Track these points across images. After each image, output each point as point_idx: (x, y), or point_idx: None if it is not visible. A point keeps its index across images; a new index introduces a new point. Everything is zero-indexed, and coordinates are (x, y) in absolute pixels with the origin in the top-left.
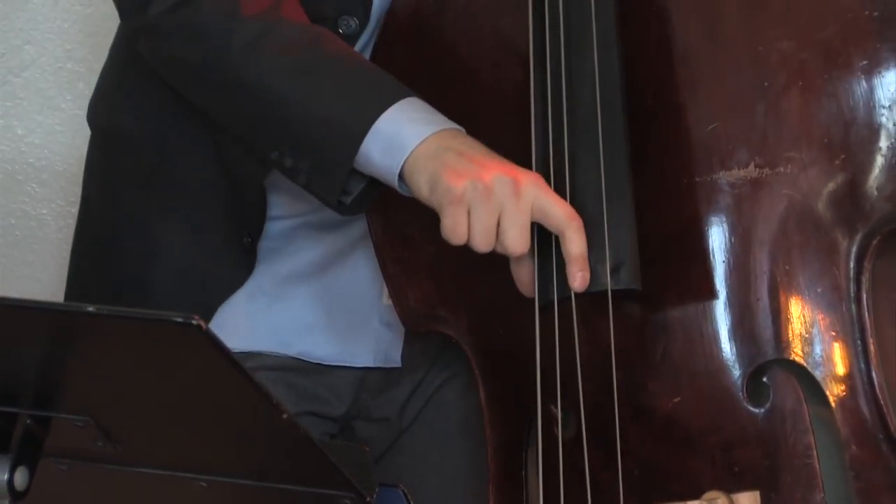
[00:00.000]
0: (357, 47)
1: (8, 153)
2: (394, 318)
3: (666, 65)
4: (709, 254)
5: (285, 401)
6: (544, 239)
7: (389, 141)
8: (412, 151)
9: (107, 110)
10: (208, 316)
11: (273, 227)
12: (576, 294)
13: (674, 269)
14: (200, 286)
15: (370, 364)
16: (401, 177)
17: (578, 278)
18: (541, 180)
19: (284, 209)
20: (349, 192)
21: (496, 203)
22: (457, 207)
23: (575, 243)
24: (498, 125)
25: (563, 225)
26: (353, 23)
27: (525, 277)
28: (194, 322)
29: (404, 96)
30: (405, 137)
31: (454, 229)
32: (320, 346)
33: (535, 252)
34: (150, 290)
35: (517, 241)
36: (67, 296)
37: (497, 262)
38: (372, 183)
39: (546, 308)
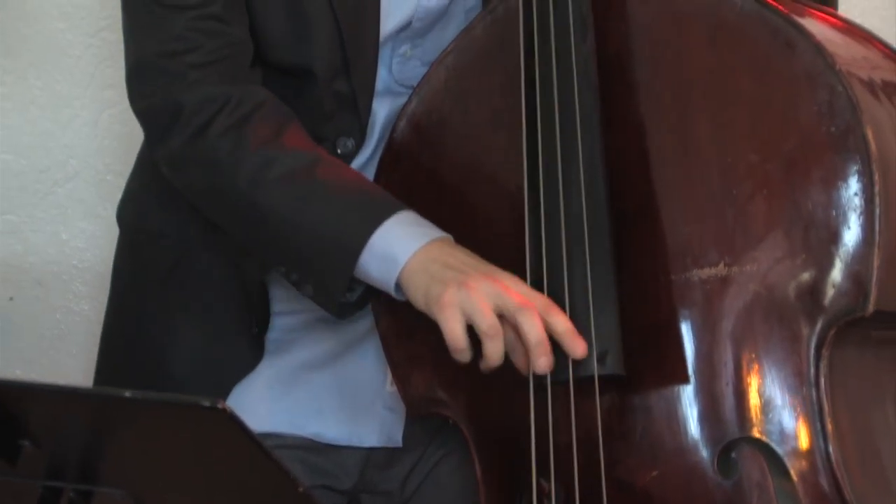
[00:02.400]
0: (355, 165)
1: (54, 256)
2: (396, 403)
3: (644, 174)
4: (683, 343)
5: (300, 476)
6: None
7: (383, 256)
8: (404, 265)
9: (133, 210)
10: (223, 397)
11: (281, 322)
12: (569, 378)
13: (652, 358)
14: (215, 371)
15: (375, 444)
16: (398, 286)
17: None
18: (519, 280)
19: (287, 305)
20: (349, 299)
21: (483, 294)
22: (449, 313)
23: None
24: (495, 230)
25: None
26: (350, 143)
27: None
28: (220, 406)
29: (395, 211)
30: (397, 252)
31: (452, 331)
32: (331, 428)
33: None
34: (170, 376)
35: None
36: (96, 380)
37: None
38: (370, 288)
39: (539, 390)
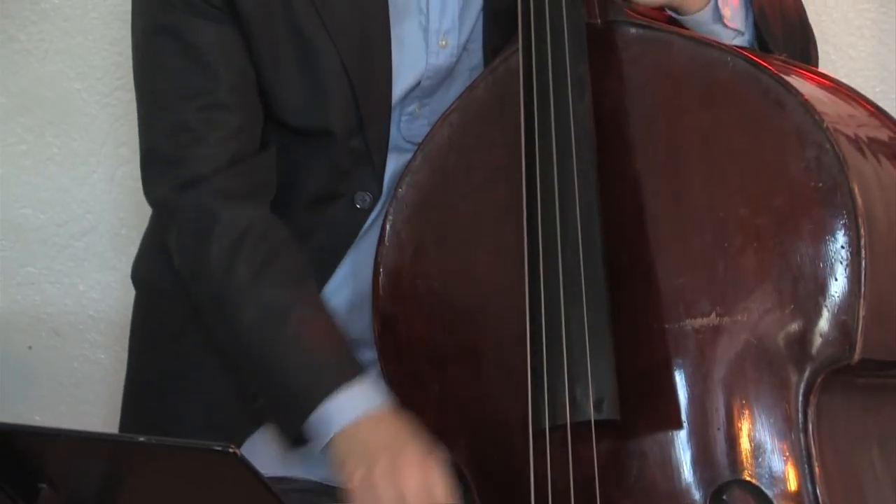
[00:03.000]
0: (372, 216)
1: (71, 307)
2: None
3: (639, 227)
4: (676, 390)
5: None
6: (537, 371)
7: (326, 419)
8: (335, 435)
9: (147, 269)
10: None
11: None
12: (566, 424)
13: (646, 403)
14: (227, 423)
15: None
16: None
17: None
18: (431, 470)
19: None
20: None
21: (380, 492)
22: (352, 498)
23: None
24: (497, 281)
25: None
26: (368, 197)
27: None
28: (230, 450)
29: (348, 380)
30: (334, 420)
31: None
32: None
33: (529, 385)
34: (184, 427)
35: None
36: (121, 429)
37: (494, 393)
38: None
39: (537, 435)
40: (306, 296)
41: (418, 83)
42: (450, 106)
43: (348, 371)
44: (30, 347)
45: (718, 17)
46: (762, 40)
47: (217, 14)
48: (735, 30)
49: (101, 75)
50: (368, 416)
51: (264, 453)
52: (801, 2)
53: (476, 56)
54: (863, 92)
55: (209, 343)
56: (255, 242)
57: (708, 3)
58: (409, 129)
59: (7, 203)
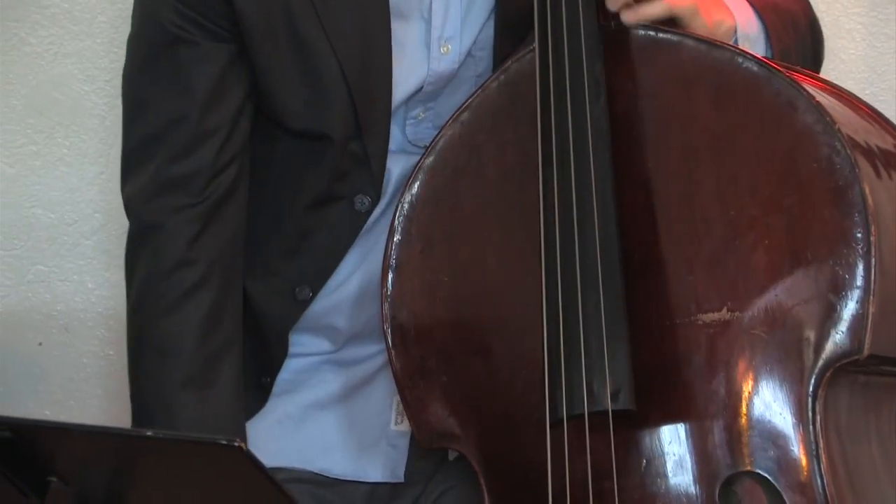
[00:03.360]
0: (372, 219)
1: (80, 304)
2: (399, 440)
3: (652, 225)
4: (688, 383)
5: None
6: (554, 362)
7: None
8: None
9: None
10: None
11: (297, 363)
12: (582, 414)
13: (659, 395)
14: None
15: (379, 479)
16: None
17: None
18: None
19: (307, 348)
20: None
21: None
22: None
23: None
24: (511, 276)
25: None
26: (367, 200)
27: None
28: (236, 444)
29: None
30: None
31: None
32: (338, 464)
33: (546, 375)
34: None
35: None
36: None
37: (505, 384)
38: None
39: (553, 426)
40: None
41: (420, 88)
42: (461, 105)
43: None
44: (40, 344)
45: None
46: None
47: (220, 34)
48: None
49: (110, 77)
50: None
51: (263, 443)
52: (808, 3)
53: (483, 63)
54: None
55: None
56: (212, 287)
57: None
58: (414, 132)
59: (18, 203)
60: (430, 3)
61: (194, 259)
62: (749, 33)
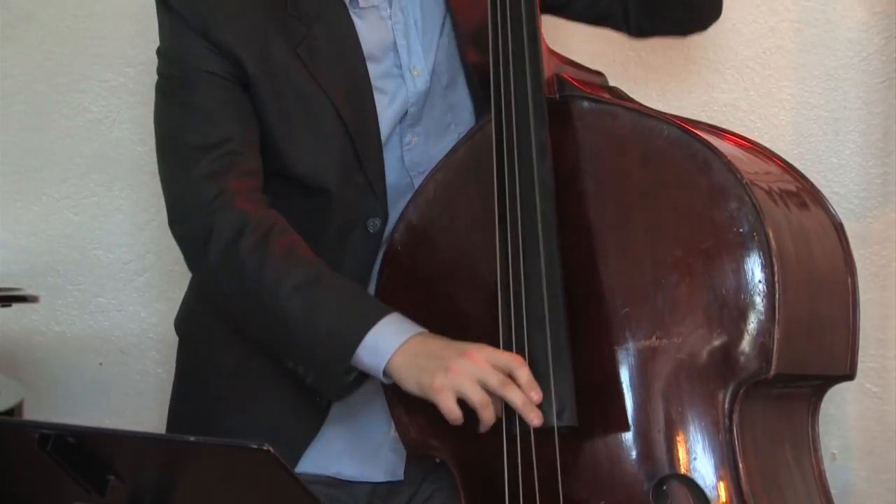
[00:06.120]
0: (385, 237)
1: (135, 329)
2: (398, 446)
3: (592, 266)
4: (624, 400)
5: None
6: None
7: (373, 350)
8: (390, 357)
9: (192, 324)
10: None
11: None
12: (531, 429)
13: (599, 411)
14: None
15: (381, 479)
16: (385, 372)
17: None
18: (484, 346)
19: None
20: (346, 381)
21: (469, 375)
22: (444, 394)
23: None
24: (475, 311)
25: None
26: (378, 222)
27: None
28: (265, 448)
29: (383, 315)
30: (384, 347)
31: (450, 411)
32: (347, 468)
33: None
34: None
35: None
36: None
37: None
38: (361, 374)
39: (511, 440)
40: (328, 268)
41: (406, 112)
42: (436, 165)
43: (383, 308)
44: (101, 364)
45: None
46: None
47: (230, 81)
48: None
49: None
50: (413, 336)
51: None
52: None
53: (444, 77)
54: (783, 154)
55: (260, 383)
56: (280, 232)
57: None
58: (410, 158)
59: (82, 245)
60: (394, 42)
61: (250, 222)
62: None
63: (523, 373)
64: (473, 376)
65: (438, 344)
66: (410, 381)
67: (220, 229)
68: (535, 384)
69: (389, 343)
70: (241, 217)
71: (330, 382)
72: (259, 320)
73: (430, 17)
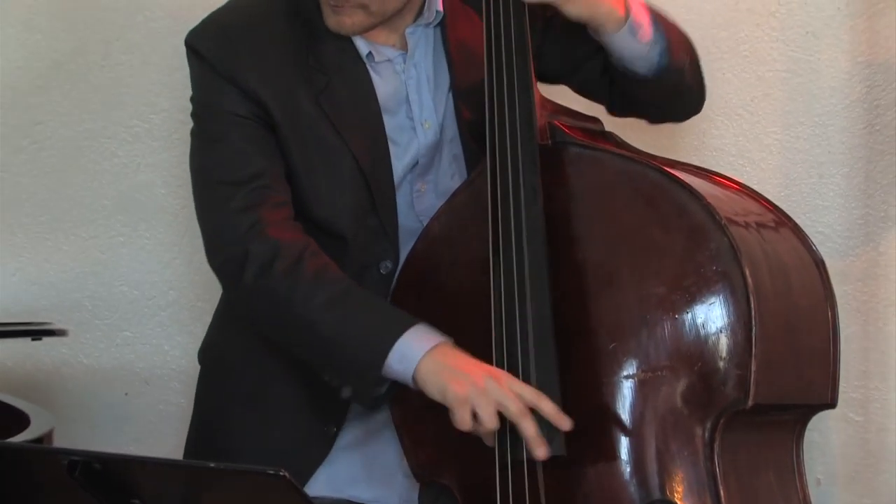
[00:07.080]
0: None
1: (158, 362)
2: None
3: (581, 303)
4: (612, 429)
5: None
6: (501, 418)
7: (402, 357)
8: (418, 363)
9: (214, 353)
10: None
11: None
12: (524, 459)
13: (589, 441)
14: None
15: (397, 503)
16: (414, 379)
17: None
18: (511, 376)
19: None
20: (379, 392)
21: (491, 397)
22: (464, 407)
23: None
24: (474, 340)
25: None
26: (389, 264)
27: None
28: (282, 473)
29: (410, 326)
30: (412, 354)
31: (464, 421)
32: (362, 492)
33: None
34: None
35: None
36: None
37: (472, 437)
38: (392, 385)
39: (503, 468)
40: (356, 285)
41: (416, 162)
42: (439, 209)
43: (410, 318)
44: (126, 394)
45: (634, 34)
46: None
47: (257, 123)
48: (648, 42)
49: (182, 183)
50: (439, 344)
51: None
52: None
53: (451, 129)
54: (771, 196)
55: (276, 406)
56: (312, 256)
57: (623, 25)
58: (420, 205)
59: (109, 282)
60: (407, 96)
61: (282, 249)
62: (640, 38)
63: (547, 405)
64: (496, 399)
65: (468, 359)
66: (435, 386)
67: (254, 256)
68: (563, 415)
69: (417, 350)
70: (275, 245)
71: (365, 393)
72: (294, 339)
73: (440, 74)
